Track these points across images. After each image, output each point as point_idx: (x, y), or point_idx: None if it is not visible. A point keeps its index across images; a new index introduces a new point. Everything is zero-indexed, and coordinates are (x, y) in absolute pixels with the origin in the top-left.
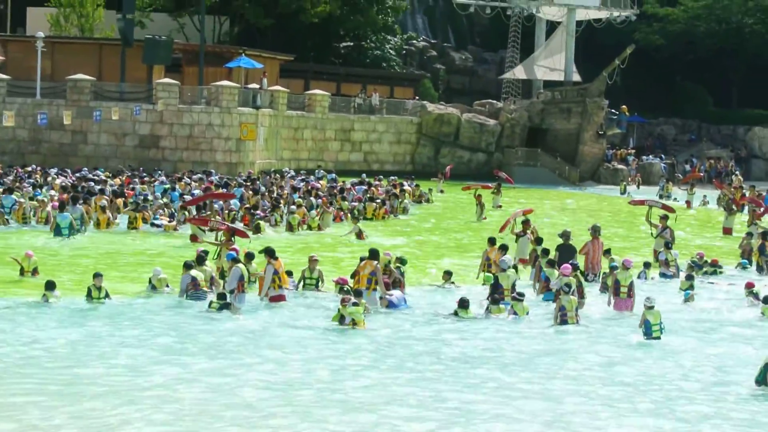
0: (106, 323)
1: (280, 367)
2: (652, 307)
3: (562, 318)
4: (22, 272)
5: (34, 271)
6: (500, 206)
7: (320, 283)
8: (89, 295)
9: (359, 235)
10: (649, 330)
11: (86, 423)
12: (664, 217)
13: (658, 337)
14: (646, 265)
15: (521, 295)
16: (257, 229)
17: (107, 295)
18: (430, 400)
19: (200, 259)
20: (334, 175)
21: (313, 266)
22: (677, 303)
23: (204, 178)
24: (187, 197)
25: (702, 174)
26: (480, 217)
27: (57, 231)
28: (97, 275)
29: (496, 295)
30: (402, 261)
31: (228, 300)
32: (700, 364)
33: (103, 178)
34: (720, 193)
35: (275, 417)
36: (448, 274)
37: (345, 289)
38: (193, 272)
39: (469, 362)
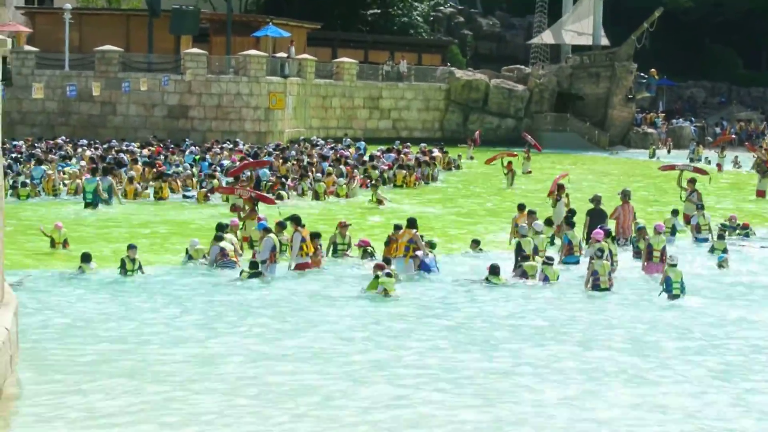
0: (141, 294)
1: (315, 338)
2: (674, 265)
3: (594, 282)
4: (53, 244)
5: (65, 243)
6: (530, 172)
7: (350, 249)
8: (123, 266)
9: (380, 201)
10: (669, 287)
11: (126, 400)
12: (692, 181)
13: (678, 296)
14: (674, 212)
15: (551, 259)
16: (279, 198)
17: (140, 267)
18: (467, 371)
19: (222, 228)
20: (362, 143)
21: (344, 232)
22: (711, 266)
23: (232, 147)
24: (216, 167)
25: (733, 136)
26: (511, 185)
27: (84, 195)
28: (131, 247)
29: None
30: (432, 245)
31: (260, 269)
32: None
33: (134, 149)
34: (754, 156)
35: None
36: (475, 243)
37: (369, 251)
38: (222, 243)
39: (502, 330)
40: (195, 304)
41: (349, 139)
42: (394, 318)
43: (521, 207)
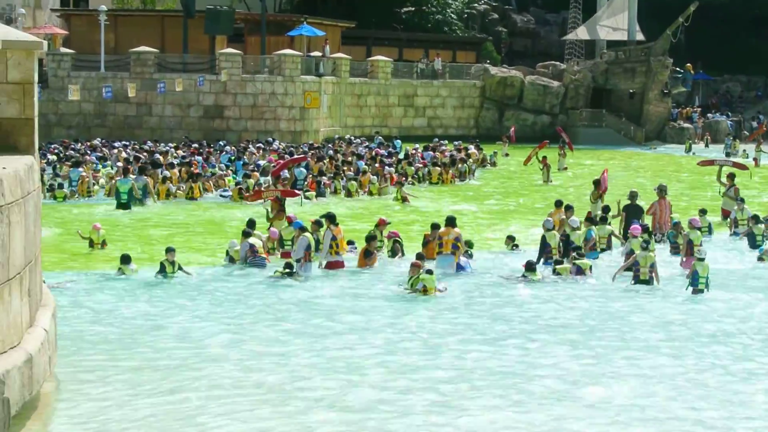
0: (180, 297)
1: (362, 338)
2: (702, 260)
3: (636, 273)
4: (91, 245)
5: (103, 244)
6: (566, 168)
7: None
8: (162, 270)
9: (404, 199)
10: (696, 281)
11: (165, 406)
12: (731, 176)
13: (703, 290)
14: (702, 212)
15: (580, 253)
16: (316, 196)
17: (180, 268)
18: (522, 367)
19: (252, 224)
20: (398, 141)
21: (383, 228)
22: (752, 261)
23: (266, 147)
24: (254, 167)
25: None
26: (547, 180)
27: (117, 196)
28: (169, 250)
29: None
30: (469, 244)
31: (295, 269)
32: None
33: (169, 148)
34: None
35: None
36: (510, 239)
37: (399, 242)
38: (251, 240)
39: (541, 326)
40: (235, 306)
41: (380, 137)
42: (434, 317)
43: (558, 203)
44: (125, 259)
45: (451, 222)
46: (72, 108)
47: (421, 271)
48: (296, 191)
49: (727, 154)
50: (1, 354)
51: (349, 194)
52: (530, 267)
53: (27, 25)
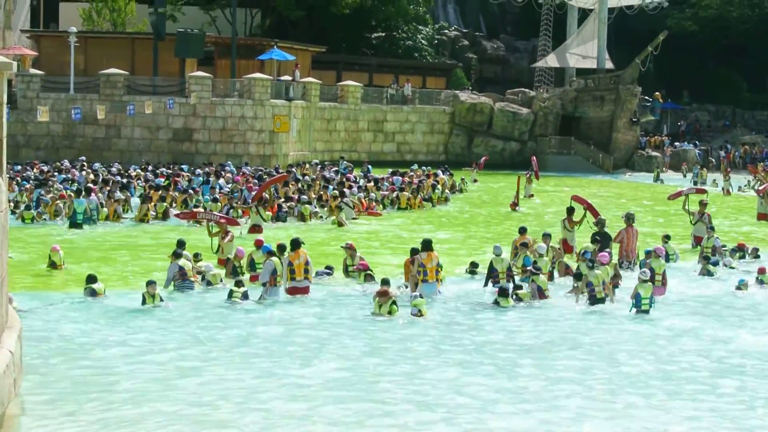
0: (148, 320)
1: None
2: (646, 281)
3: (591, 294)
4: (53, 266)
5: (62, 265)
6: (532, 195)
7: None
8: (144, 302)
9: (340, 224)
10: (639, 303)
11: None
12: (703, 203)
13: (647, 311)
14: (666, 237)
15: (537, 268)
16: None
17: (161, 300)
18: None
19: (182, 244)
20: (369, 166)
21: (353, 254)
22: (729, 291)
23: (221, 170)
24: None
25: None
26: (527, 193)
27: (73, 217)
28: (150, 283)
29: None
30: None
31: (245, 288)
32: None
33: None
34: (754, 178)
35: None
36: (473, 265)
37: (369, 274)
38: (181, 261)
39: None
40: (205, 332)
41: (345, 162)
42: (414, 341)
43: (522, 230)
44: (90, 279)
45: (428, 246)
46: (41, 129)
47: (412, 295)
48: (237, 221)
49: (695, 183)
50: None
51: (302, 218)
52: (503, 293)
53: None
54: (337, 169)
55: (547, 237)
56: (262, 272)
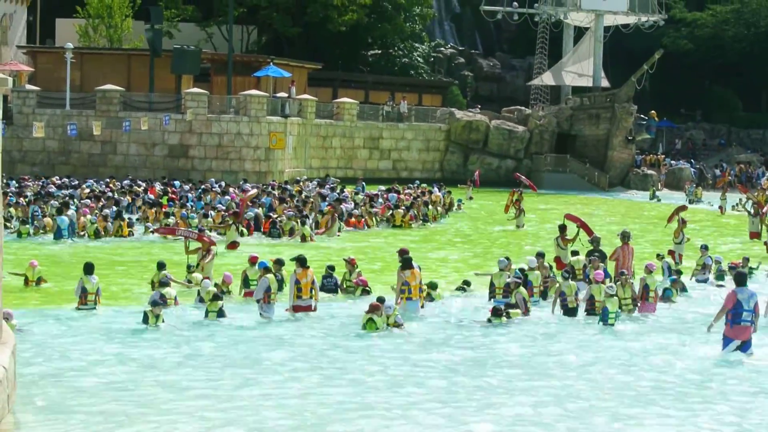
0: (144, 335)
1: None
2: (612, 296)
3: (563, 303)
4: (26, 282)
5: (39, 281)
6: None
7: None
8: (145, 320)
9: (303, 238)
10: (606, 317)
11: None
12: (683, 222)
13: (613, 324)
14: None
15: (519, 277)
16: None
17: (162, 321)
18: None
19: (162, 266)
20: (363, 184)
21: (352, 269)
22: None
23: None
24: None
25: (730, 178)
26: (519, 224)
27: (58, 233)
28: (156, 303)
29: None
30: (433, 286)
31: (222, 303)
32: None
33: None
34: (745, 197)
35: None
36: (465, 284)
37: (367, 290)
38: (165, 290)
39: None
40: (200, 350)
41: (332, 179)
42: (405, 360)
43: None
44: (88, 269)
45: (409, 264)
46: (36, 145)
47: (380, 312)
48: (213, 241)
49: (690, 202)
50: None
51: (291, 233)
52: (497, 313)
53: None
54: (332, 185)
55: (540, 256)
56: (257, 289)
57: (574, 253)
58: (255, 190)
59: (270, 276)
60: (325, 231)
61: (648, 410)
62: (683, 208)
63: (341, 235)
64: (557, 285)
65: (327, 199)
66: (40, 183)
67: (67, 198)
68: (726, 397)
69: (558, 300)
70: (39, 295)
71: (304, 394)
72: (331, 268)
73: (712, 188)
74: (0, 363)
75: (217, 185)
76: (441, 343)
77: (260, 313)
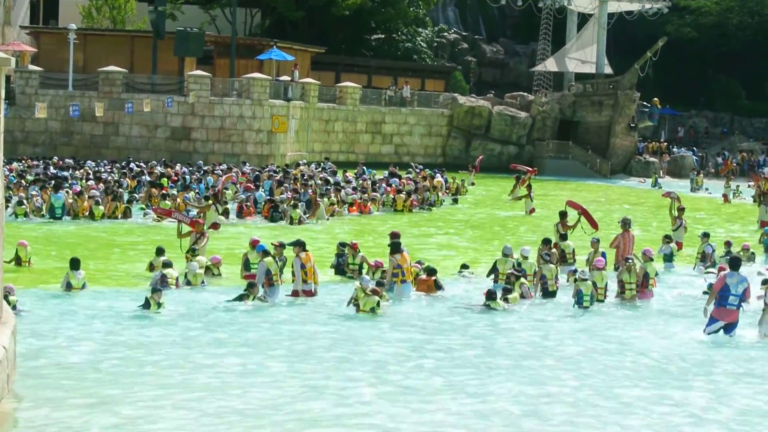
0: (141, 319)
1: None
2: (585, 280)
3: (543, 286)
4: (19, 262)
5: (29, 261)
6: (520, 198)
7: (363, 268)
8: (147, 306)
9: (292, 221)
10: (581, 299)
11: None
12: (681, 209)
13: (588, 307)
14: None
15: (519, 270)
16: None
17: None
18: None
19: (161, 251)
20: (368, 169)
21: (354, 253)
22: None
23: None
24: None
25: (735, 165)
26: (527, 210)
27: (51, 212)
28: (156, 290)
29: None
30: (433, 271)
31: (260, 293)
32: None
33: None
34: (754, 186)
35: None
36: (464, 267)
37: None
38: (167, 270)
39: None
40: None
41: (330, 163)
42: (405, 345)
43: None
44: (74, 264)
45: (398, 248)
46: (38, 126)
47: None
48: (197, 221)
49: (691, 189)
50: None
51: (291, 221)
52: (491, 296)
53: None
54: (334, 169)
55: (546, 243)
56: (258, 274)
57: (563, 237)
58: (232, 173)
59: (268, 259)
60: (312, 215)
61: (632, 392)
62: (669, 194)
63: (344, 219)
64: (537, 269)
65: (330, 183)
66: (41, 163)
67: (60, 178)
68: (710, 379)
69: (539, 284)
70: (33, 276)
71: (290, 377)
72: (342, 244)
73: (715, 176)
74: (0, 343)
75: (205, 167)
76: (439, 328)
77: (260, 297)
